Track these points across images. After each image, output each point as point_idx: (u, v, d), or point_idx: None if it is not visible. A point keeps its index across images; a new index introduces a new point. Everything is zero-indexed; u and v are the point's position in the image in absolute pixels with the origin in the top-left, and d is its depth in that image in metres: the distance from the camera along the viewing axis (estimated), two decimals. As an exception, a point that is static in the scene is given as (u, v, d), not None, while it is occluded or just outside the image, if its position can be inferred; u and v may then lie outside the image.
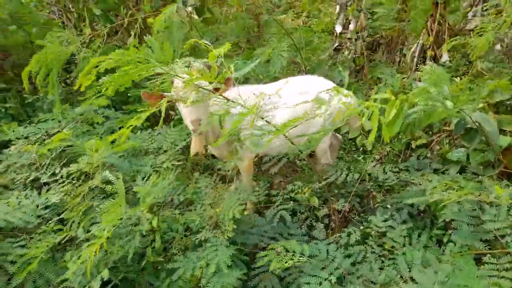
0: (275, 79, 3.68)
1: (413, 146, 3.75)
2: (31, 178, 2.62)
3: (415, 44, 5.12)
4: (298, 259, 1.86)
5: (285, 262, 1.85)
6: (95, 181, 2.22)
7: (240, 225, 2.51)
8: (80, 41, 3.05)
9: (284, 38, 3.75)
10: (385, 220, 2.51)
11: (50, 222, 2.19)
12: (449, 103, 2.30)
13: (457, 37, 3.95)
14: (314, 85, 3.25)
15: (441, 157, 3.34)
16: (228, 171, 2.73)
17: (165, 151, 2.96)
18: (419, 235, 2.23)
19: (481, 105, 2.74)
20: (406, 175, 2.94)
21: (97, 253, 1.76)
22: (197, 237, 2.03)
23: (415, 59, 5.06)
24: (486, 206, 2.04)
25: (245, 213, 3.12)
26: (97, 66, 1.74)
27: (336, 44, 6.15)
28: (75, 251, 2.02)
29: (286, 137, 2.71)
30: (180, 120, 3.57)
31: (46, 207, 2.24)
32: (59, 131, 2.92)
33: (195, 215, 2.17)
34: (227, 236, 1.98)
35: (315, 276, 1.87)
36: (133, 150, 2.96)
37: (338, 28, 6.15)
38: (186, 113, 2.37)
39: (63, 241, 2.16)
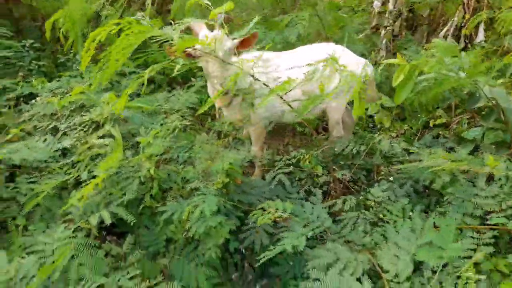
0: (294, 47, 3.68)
1: (431, 124, 3.65)
2: (51, 126, 2.82)
3: (450, 22, 4.87)
4: (280, 214, 1.92)
5: (268, 218, 1.92)
6: (103, 131, 2.37)
7: (242, 186, 2.61)
8: (104, -1, 3.19)
9: (307, 9, 3.71)
10: (384, 191, 2.49)
11: (60, 163, 2.38)
12: (462, 73, 2.22)
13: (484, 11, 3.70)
14: (330, 52, 3.23)
15: (457, 136, 3.24)
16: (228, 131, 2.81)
17: (177, 111, 3.07)
18: (412, 208, 2.21)
19: (500, 80, 2.61)
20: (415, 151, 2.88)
21: (91, 191, 1.90)
22: (189, 186, 2.14)
23: (448, 38, 4.82)
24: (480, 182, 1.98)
25: (252, 177, 3.21)
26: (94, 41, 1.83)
27: (374, 23, 5.94)
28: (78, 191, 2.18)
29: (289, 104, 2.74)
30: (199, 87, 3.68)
31: (57, 151, 2.43)
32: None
33: (191, 168, 2.27)
34: (216, 187, 2.07)
35: (294, 232, 1.93)
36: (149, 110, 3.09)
37: (377, 5, 5.91)
38: (211, 70, 2.46)
39: (71, 182, 2.35)
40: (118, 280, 1.82)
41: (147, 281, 1.92)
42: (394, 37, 5.58)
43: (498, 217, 1.73)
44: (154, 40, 2.00)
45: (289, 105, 2.49)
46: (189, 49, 2.39)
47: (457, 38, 4.82)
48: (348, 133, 3.77)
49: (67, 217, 2.07)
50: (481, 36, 4.63)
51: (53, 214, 2.22)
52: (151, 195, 2.27)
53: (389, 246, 1.83)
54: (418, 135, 3.77)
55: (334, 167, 2.93)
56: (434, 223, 1.79)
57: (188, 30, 2.58)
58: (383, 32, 5.67)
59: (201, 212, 1.95)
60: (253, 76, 2.42)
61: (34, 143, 2.47)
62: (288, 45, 3.56)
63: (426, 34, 6.25)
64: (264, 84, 2.47)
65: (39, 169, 2.43)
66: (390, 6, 5.56)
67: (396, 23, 5.70)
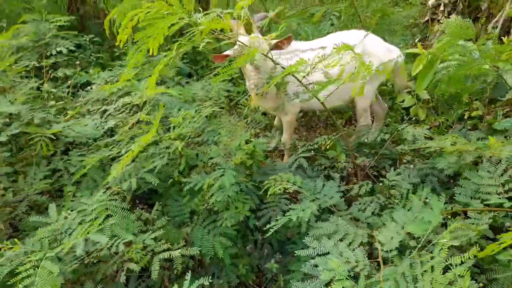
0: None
1: (466, 116, 3.58)
2: (101, 110, 3.22)
3: (500, 13, 4.65)
4: (289, 186, 2.09)
5: (278, 189, 2.10)
6: (141, 114, 2.69)
7: (264, 168, 2.80)
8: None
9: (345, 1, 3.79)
10: (398, 174, 2.56)
11: (105, 140, 2.74)
12: (476, 54, 2.22)
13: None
14: (356, 38, 3.30)
15: (490, 128, 3.17)
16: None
17: (210, 99, 3.33)
18: (422, 188, 2.26)
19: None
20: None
21: (127, 162, 2.21)
22: (211, 161, 2.38)
23: (497, 30, 4.62)
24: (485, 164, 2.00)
25: (283, 161, 3.38)
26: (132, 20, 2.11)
27: (427, 18, 5.79)
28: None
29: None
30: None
31: (103, 129, 2.80)
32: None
33: (215, 146, 2.51)
34: (235, 163, 2.28)
35: (301, 205, 2.09)
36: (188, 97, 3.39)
37: (430, 1, 5.76)
38: (247, 72, 2.67)
39: (113, 157, 2.69)
40: (144, 240, 2.10)
41: (170, 244, 2.21)
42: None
43: (499, 198, 1.76)
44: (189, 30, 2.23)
45: (305, 87, 2.60)
46: (229, 52, 2.62)
47: (507, 30, 4.60)
48: (379, 123, 3.80)
49: (107, 185, 2.41)
50: (532, 27, 4.38)
51: (97, 184, 2.58)
52: (179, 170, 2.55)
53: (390, 223, 1.94)
54: (453, 127, 3.71)
55: (356, 154, 3.02)
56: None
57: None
58: (436, 26, 5.52)
59: (220, 184, 2.19)
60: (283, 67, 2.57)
61: (85, 123, 2.85)
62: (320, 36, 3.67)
63: (484, 28, 5.97)
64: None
65: (88, 145, 2.82)
66: (445, -1, 5.40)
67: (452, 16, 5.51)
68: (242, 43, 2.39)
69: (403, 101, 4.12)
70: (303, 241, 1.84)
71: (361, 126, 3.46)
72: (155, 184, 2.31)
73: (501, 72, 2.36)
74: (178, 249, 2.11)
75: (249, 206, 2.26)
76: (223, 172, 2.26)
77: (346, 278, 1.47)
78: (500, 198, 1.76)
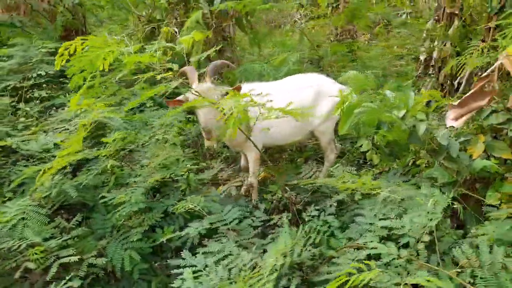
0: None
1: (418, 163, 3.69)
2: (62, 127, 3.49)
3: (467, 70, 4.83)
4: (192, 207, 2.25)
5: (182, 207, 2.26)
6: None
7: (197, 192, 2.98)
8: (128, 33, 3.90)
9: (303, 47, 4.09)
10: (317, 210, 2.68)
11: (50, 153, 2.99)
12: (372, 104, 2.40)
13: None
14: (313, 80, 3.53)
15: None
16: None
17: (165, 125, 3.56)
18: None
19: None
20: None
21: (56, 174, 2.42)
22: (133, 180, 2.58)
23: (462, 86, 4.79)
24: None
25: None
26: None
27: (420, 71, 6.04)
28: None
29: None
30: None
31: (49, 144, 3.05)
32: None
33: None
34: (149, 183, 2.47)
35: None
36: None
37: (422, 56, 6.02)
38: (201, 119, 2.81)
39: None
40: (49, 245, 2.26)
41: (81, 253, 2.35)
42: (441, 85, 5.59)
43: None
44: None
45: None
46: (181, 97, 2.81)
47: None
48: (328, 163, 3.94)
49: (35, 192, 2.60)
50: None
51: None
52: (108, 187, 2.73)
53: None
54: (402, 172, 3.80)
55: (286, 188, 3.14)
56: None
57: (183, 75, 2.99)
58: (427, 80, 5.76)
59: (129, 199, 2.36)
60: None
61: (39, 139, 3.12)
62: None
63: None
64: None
65: (38, 157, 3.06)
66: (435, 55, 5.65)
67: (442, 72, 5.73)
68: (193, 93, 2.56)
69: (361, 145, 4.26)
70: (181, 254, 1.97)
71: (328, 160, 3.70)
72: (74, 197, 2.49)
73: (415, 122, 2.53)
74: (82, 258, 2.26)
75: (153, 220, 2.40)
76: (136, 189, 2.43)
77: None
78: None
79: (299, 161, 4.42)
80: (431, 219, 1.81)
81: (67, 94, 4.38)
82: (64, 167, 2.82)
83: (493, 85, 1.18)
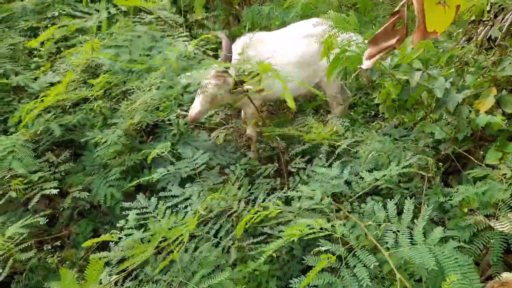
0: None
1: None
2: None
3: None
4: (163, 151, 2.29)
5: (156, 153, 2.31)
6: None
7: (187, 138, 3.01)
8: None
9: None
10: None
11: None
12: (357, 50, 2.20)
13: None
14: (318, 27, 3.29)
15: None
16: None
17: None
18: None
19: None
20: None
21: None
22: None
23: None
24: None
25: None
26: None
27: None
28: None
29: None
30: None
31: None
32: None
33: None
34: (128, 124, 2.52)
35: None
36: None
37: None
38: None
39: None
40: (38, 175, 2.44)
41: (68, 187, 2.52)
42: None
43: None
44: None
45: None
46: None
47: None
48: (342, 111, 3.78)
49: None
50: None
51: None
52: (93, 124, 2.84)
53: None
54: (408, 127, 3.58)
55: (277, 138, 3.06)
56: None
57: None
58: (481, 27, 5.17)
59: (106, 141, 2.44)
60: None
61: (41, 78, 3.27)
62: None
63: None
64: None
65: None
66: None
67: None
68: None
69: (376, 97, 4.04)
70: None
71: (334, 111, 3.53)
72: (58, 135, 2.61)
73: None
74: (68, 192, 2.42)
75: (131, 161, 2.48)
76: (115, 130, 2.50)
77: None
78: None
79: (307, 111, 4.27)
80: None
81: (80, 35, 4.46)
82: (58, 107, 2.96)
83: (404, 22, 1.01)
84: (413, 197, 1.99)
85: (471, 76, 2.87)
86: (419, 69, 2.47)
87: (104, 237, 1.81)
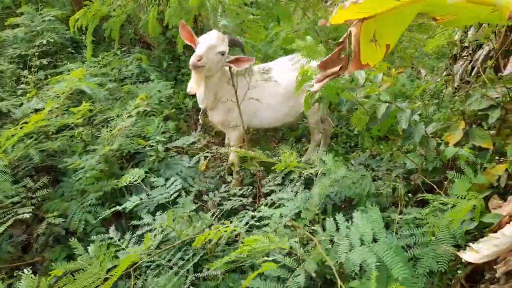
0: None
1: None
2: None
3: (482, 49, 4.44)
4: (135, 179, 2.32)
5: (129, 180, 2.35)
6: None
7: (167, 161, 3.07)
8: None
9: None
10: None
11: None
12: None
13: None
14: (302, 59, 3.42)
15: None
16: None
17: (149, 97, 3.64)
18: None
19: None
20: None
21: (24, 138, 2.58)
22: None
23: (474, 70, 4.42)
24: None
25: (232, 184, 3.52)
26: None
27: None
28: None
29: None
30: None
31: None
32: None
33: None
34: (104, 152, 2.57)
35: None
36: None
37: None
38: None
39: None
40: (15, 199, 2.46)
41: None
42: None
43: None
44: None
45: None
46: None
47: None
48: (326, 139, 3.87)
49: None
50: (510, 68, 4.15)
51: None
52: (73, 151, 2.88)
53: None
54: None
55: (257, 164, 3.12)
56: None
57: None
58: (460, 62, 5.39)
59: (83, 166, 2.48)
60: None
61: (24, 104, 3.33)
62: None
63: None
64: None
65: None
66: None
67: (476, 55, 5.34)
68: None
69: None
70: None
71: (315, 138, 3.69)
72: (37, 161, 2.64)
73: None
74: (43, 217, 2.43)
75: (108, 187, 2.52)
76: (93, 155, 2.54)
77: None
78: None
79: (291, 140, 4.37)
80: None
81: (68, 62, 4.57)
82: (41, 133, 3.00)
83: (347, 52, 1.11)
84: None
85: (441, 110, 3.00)
86: (387, 101, 2.58)
87: (72, 265, 1.83)
